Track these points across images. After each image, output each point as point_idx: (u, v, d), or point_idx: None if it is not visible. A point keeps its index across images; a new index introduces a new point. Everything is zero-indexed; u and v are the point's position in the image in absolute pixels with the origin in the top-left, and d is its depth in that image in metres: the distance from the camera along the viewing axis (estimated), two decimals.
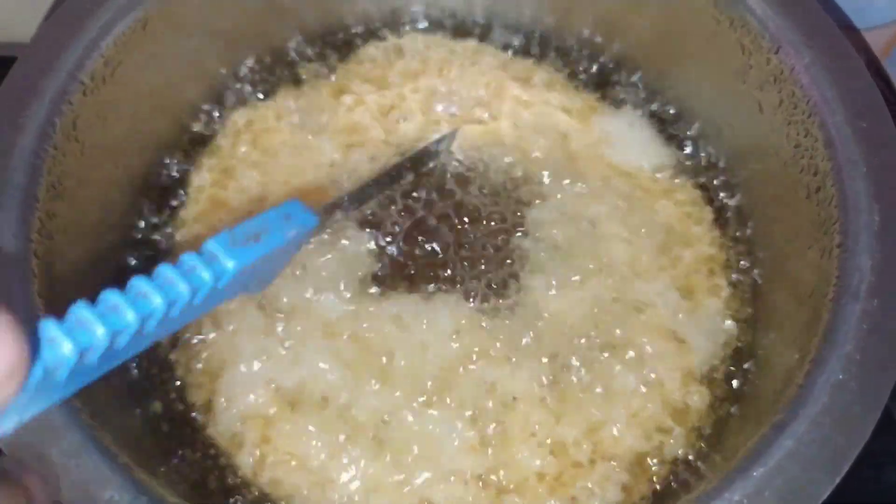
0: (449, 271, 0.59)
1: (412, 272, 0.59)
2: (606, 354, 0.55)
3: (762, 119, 0.57)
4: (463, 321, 0.56)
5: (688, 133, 0.65)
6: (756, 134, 0.59)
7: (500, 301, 0.57)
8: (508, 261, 0.60)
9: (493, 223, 0.61)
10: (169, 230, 0.61)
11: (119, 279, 0.56)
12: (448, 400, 0.53)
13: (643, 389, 0.54)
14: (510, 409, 0.53)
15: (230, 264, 0.35)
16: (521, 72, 0.68)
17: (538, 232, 0.60)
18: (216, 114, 0.65)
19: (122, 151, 0.58)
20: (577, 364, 0.55)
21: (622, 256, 0.59)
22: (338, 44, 0.70)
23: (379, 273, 0.59)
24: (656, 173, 0.64)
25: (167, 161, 0.63)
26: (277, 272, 0.45)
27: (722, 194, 0.63)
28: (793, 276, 0.53)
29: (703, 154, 0.64)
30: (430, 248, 0.60)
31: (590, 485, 0.51)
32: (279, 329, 0.56)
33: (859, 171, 0.49)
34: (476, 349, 0.55)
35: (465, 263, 0.59)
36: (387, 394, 0.53)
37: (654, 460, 0.52)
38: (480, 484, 0.51)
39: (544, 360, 0.55)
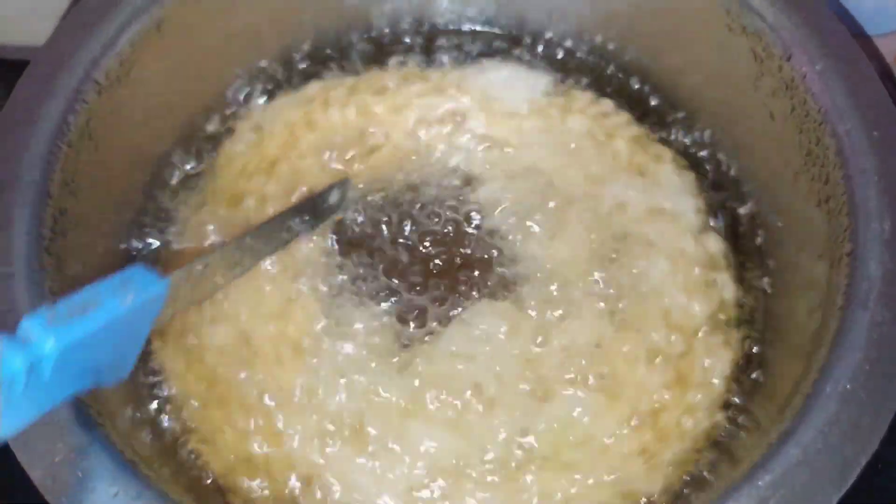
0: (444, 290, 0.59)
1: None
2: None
3: (774, 126, 0.57)
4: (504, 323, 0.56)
5: (699, 140, 0.65)
6: (767, 142, 0.58)
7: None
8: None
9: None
10: (179, 229, 0.61)
11: None
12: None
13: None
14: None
15: (49, 344, 0.31)
16: None
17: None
18: (229, 114, 0.66)
19: (135, 150, 0.59)
20: None
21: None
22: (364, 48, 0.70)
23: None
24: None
25: (180, 160, 0.63)
26: (132, 354, 0.39)
27: (733, 203, 0.62)
28: (802, 285, 0.53)
29: (714, 162, 0.64)
30: (413, 281, 0.59)
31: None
32: None
33: (870, 179, 0.49)
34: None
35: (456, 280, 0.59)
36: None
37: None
38: None
39: None
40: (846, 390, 0.42)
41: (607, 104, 0.66)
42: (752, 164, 0.62)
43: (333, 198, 0.60)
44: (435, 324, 0.57)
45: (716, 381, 0.55)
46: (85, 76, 0.53)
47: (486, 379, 0.54)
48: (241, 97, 0.66)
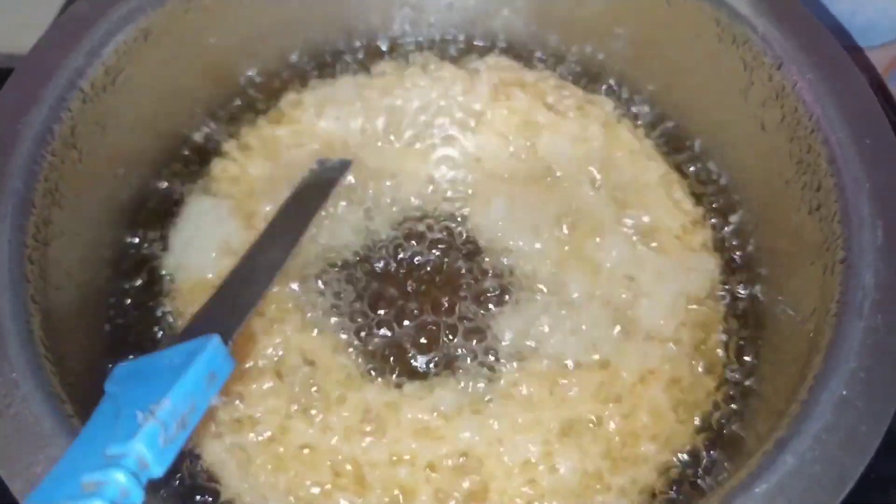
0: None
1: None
2: None
3: (764, 136, 0.57)
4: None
5: (690, 149, 0.65)
6: (758, 151, 0.58)
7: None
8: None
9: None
10: (162, 243, 0.60)
11: (113, 286, 0.56)
12: None
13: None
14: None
15: (160, 470, 0.32)
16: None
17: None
18: (216, 126, 0.65)
19: (120, 160, 0.58)
20: None
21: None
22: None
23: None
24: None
25: (166, 171, 0.63)
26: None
27: (724, 211, 0.62)
28: (795, 293, 0.53)
29: (704, 171, 0.64)
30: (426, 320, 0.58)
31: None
32: None
33: (862, 187, 0.49)
34: None
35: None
36: None
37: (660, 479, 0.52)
38: None
39: None
40: (842, 398, 0.42)
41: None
42: (743, 172, 0.61)
43: (334, 173, 0.60)
44: None
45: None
46: (69, 85, 0.52)
47: None
48: (229, 107, 0.66)
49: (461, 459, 0.52)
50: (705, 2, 0.58)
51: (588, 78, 0.69)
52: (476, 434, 0.53)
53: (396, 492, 0.51)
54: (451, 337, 0.57)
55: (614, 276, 0.59)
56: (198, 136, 0.65)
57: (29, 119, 0.50)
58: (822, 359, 0.44)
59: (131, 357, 0.54)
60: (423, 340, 0.57)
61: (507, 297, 0.59)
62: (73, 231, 0.53)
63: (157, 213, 0.62)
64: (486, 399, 0.54)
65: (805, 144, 0.53)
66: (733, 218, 0.62)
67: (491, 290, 0.59)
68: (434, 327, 0.58)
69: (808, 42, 0.55)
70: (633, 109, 0.67)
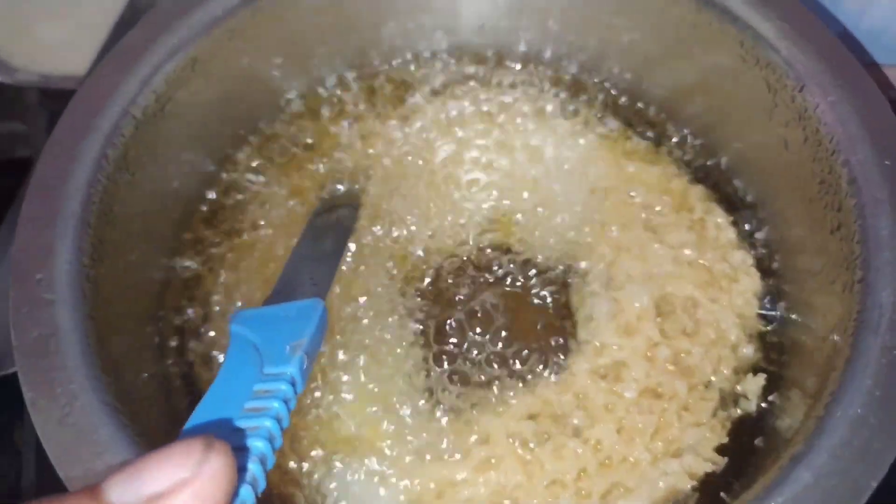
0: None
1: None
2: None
3: (788, 155, 0.58)
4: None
5: (716, 167, 0.67)
6: (782, 170, 0.60)
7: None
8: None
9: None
10: (209, 255, 0.64)
11: (163, 301, 0.59)
12: None
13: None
14: None
15: (301, 388, 0.40)
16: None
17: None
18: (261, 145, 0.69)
19: (170, 181, 0.61)
20: None
21: None
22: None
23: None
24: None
25: (212, 190, 0.66)
26: None
27: (748, 226, 0.64)
28: (816, 310, 0.54)
29: (730, 188, 0.66)
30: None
31: None
32: None
33: (883, 208, 0.50)
34: None
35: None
36: None
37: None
38: None
39: None
40: (857, 415, 0.43)
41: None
42: (769, 190, 0.63)
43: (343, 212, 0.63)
44: None
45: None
46: (123, 112, 0.55)
47: None
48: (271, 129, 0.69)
49: None
50: (729, 24, 0.60)
51: (628, 97, 0.71)
52: None
53: None
54: None
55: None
56: (243, 156, 0.68)
57: (86, 145, 0.53)
58: (838, 376, 0.45)
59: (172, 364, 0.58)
60: None
61: None
62: (126, 249, 0.56)
63: (204, 232, 0.65)
64: None
65: (826, 165, 0.54)
66: (759, 235, 0.63)
67: None
68: None
69: (830, 64, 0.56)
70: (663, 128, 0.69)
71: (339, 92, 0.71)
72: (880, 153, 0.52)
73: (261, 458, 0.33)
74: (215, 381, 0.39)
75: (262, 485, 0.32)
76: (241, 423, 0.35)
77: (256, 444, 0.33)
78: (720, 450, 0.55)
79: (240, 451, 0.32)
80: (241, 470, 0.31)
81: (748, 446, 0.54)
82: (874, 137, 0.53)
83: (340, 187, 0.66)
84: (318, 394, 0.57)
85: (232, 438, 0.33)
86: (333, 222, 0.62)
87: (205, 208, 0.66)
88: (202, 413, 0.37)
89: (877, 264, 0.48)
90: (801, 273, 0.58)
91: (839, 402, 0.44)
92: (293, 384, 0.39)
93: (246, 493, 0.30)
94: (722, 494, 0.52)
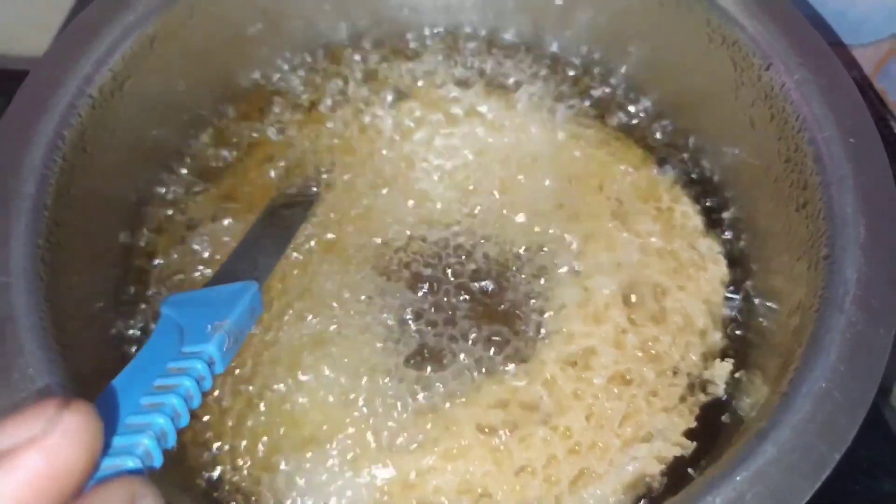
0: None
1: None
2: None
3: (754, 134, 0.59)
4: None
5: (685, 147, 0.67)
6: (748, 149, 0.60)
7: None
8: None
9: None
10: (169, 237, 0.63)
11: (122, 285, 0.58)
12: None
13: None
14: None
15: (220, 369, 0.40)
16: None
17: None
18: (221, 128, 0.67)
19: (129, 163, 0.60)
20: None
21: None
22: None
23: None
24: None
25: (174, 174, 0.65)
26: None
27: (713, 205, 0.64)
28: (782, 292, 0.54)
29: (697, 168, 0.66)
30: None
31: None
32: None
33: (847, 185, 0.50)
34: None
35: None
36: None
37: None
38: None
39: None
40: (821, 389, 0.43)
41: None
42: (735, 169, 0.63)
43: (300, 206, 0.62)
44: None
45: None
46: (79, 91, 0.54)
47: None
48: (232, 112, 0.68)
49: None
50: (696, 2, 0.60)
51: (590, 77, 0.71)
52: None
53: None
54: None
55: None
56: (205, 139, 0.67)
57: (41, 126, 0.52)
58: (803, 351, 0.45)
59: (134, 350, 0.57)
60: None
61: None
62: (83, 231, 0.54)
63: (162, 213, 0.64)
64: None
65: (792, 143, 0.54)
66: (725, 214, 0.63)
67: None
68: None
69: (796, 43, 0.56)
70: (630, 108, 0.69)
71: (302, 74, 0.70)
72: (845, 131, 0.52)
73: (159, 435, 0.33)
74: (132, 361, 0.39)
75: (157, 460, 0.32)
76: (146, 400, 0.35)
77: (157, 420, 0.33)
78: (688, 434, 0.55)
79: (139, 428, 0.32)
80: (136, 445, 0.31)
81: (716, 428, 0.54)
82: (839, 116, 0.53)
83: (299, 178, 0.65)
84: (280, 386, 0.56)
85: (135, 416, 0.33)
86: (287, 212, 0.61)
87: (164, 190, 0.64)
88: (110, 392, 0.36)
89: (841, 242, 0.48)
90: (768, 252, 0.58)
91: (804, 378, 0.44)
92: (210, 364, 0.39)
93: (133, 464, 0.30)
94: (689, 470, 0.52)
